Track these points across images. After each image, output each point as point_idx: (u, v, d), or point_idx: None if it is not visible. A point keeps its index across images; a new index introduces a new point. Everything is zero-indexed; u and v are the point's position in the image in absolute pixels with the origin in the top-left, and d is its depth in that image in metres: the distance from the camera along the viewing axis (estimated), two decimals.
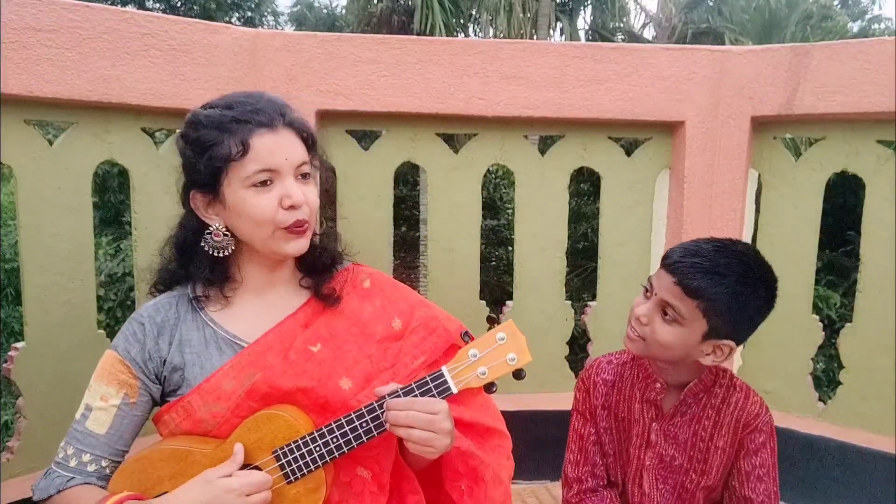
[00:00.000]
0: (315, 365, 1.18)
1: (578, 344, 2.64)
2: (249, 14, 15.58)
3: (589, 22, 15.21)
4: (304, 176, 1.19)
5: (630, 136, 2.49)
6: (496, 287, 9.93)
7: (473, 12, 13.66)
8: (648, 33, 16.83)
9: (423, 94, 2.21)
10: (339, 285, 1.29)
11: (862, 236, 2.23)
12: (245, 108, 1.14)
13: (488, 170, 2.48)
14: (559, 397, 2.34)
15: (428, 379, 1.11)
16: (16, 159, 1.75)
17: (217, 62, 2.00)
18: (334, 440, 1.11)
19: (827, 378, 7.09)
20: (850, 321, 2.29)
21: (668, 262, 1.28)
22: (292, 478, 1.12)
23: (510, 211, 11.96)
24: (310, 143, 1.22)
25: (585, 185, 11.25)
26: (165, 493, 1.12)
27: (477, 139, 2.37)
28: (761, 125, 2.33)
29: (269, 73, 2.11)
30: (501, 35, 12.76)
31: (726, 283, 1.22)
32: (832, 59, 2.15)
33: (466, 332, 1.19)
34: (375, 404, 1.11)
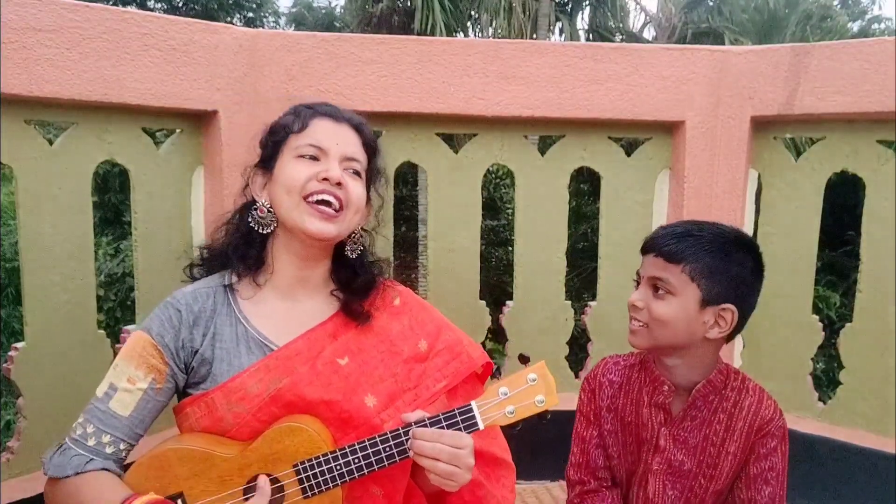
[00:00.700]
0: (341, 378, 1.19)
1: (578, 344, 2.63)
2: (251, 15, 15.59)
3: (588, 22, 15.20)
4: (355, 173, 1.24)
5: (630, 136, 2.49)
6: (496, 287, 9.93)
7: (473, 12, 13.65)
8: (648, 33, 16.82)
9: (423, 93, 2.21)
10: (370, 301, 1.30)
11: (862, 236, 2.23)
12: (320, 103, 1.28)
13: (488, 170, 2.48)
14: (559, 397, 2.33)
15: (457, 412, 1.11)
16: (16, 159, 1.75)
17: (217, 62, 2.00)
18: (356, 461, 1.11)
19: (827, 378, 7.09)
20: (850, 321, 2.29)
21: (644, 245, 1.32)
22: (310, 493, 1.12)
23: (510, 211, 11.96)
24: (370, 150, 1.28)
25: (585, 185, 11.26)
26: (181, 493, 1.12)
27: (477, 139, 2.37)
28: (761, 125, 2.33)
29: (269, 73, 2.11)
30: (501, 35, 12.75)
31: (702, 242, 1.25)
32: (832, 59, 2.15)
33: (498, 369, 1.19)
34: (401, 431, 1.11)
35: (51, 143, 1.85)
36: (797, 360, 2.35)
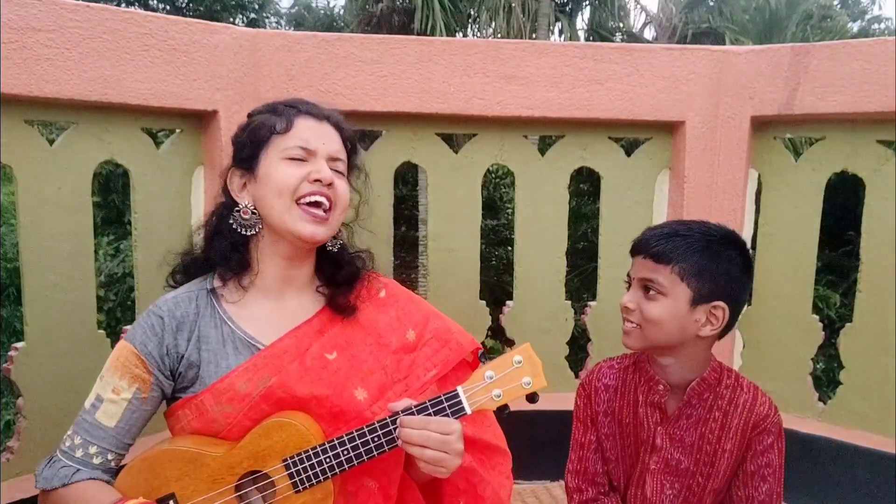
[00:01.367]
0: (331, 373, 1.18)
1: (578, 344, 2.64)
2: (253, 16, 15.59)
3: (588, 22, 15.19)
4: (339, 172, 1.23)
5: (630, 136, 2.49)
6: (496, 287, 9.93)
7: (472, 12, 13.65)
8: (648, 33, 16.83)
9: (423, 93, 2.21)
10: (356, 294, 1.29)
11: (862, 236, 2.23)
12: (298, 100, 1.27)
13: (488, 170, 2.48)
14: (559, 397, 2.34)
15: (443, 398, 1.11)
16: (16, 159, 1.75)
17: (217, 62, 2.00)
18: (345, 453, 1.11)
19: (827, 378, 7.08)
20: (850, 321, 2.28)
21: (633, 246, 1.33)
22: (300, 487, 1.12)
23: (510, 211, 11.96)
24: (350, 147, 1.28)
25: (585, 185, 11.25)
26: (172, 494, 1.12)
27: (477, 139, 2.37)
28: (761, 125, 2.33)
29: (269, 73, 2.11)
30: (501, 35, 12.75)
31: (689, 241, 1.26)
32: (832, 59, 2.15)
33: (484, 353, 1.19)
34: (389, 420, 1.11)
35: (51, 143, 1.85)
36: (797, 360, 2.35)
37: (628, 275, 1.35)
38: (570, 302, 2.48)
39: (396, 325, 1.29)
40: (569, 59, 2.26)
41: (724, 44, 12.21)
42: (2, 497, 1.73)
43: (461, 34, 13.54)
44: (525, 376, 1.11)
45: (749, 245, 2.39)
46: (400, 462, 1.20)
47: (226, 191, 1.26)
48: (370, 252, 1.38)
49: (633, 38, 15.71)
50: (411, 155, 2.34)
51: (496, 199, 12.93)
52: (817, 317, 2.33)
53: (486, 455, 1.29)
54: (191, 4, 14.59)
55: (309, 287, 1.29)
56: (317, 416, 1.16)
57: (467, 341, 1.32)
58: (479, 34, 14.14)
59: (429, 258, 2.41)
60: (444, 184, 2.36)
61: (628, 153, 2.44)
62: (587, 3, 14.89)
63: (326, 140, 1.22)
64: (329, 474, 1.11)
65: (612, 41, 14.09)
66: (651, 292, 1.28)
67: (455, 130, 2.43)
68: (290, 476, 1.12)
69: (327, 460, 1.11)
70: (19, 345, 1.81)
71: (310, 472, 1.11)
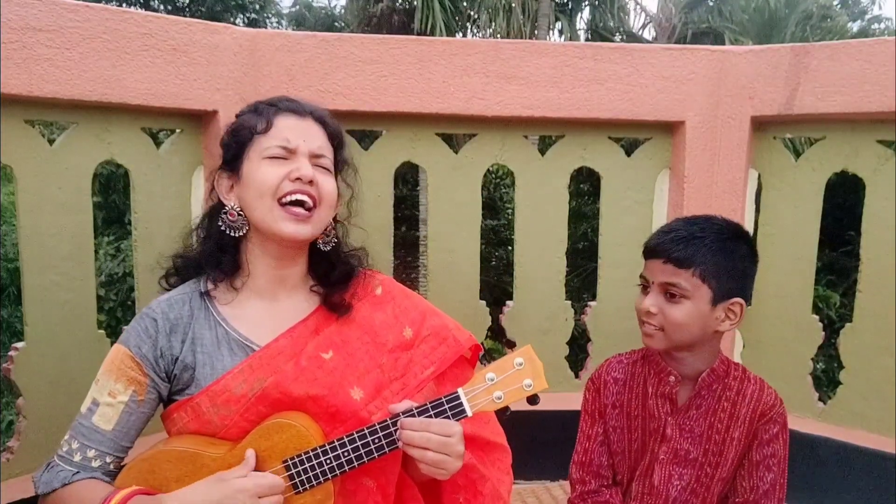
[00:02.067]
0: (326, 373, 1.18)
1: (578, 344, 2.64)
2: (254, 16, 15.59)
3: (588, 22, 15.20)
4: (324, 168, 1.22)
5: (630, 136, 2.49)
6: (496, 287, 9.93)
7: (472, 13, 13.65)
8: (648, 33, 16.83)
9: (423, 94, 2.21)
10: (351, 293, 1.29)
11: (862, 236, 2.23)
12: (280, 98, 1.25)
13: (488, 170, 2.48)
14: (559, 397, 2.34)
15: (444, 400, 1.11)
16: (16, 159, 1.75)
17: (217, 62, 2.00)
18: (345, 454, 1.10)
19: (827, 378, 7.08)
20: (850, 321, 2.28)
21: (648, 250, 1.34)
22: (301, 489, 1.12)
23: (510, 211, 11.96)
24: (336, 144, 1.26)
25: (585, 185, 11.25)
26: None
27: (477, 139, 2.37)
28: (761, 125, 2.33)
29: (269, 73, 2.11)
30: (500, 35, 12.75)
31: (707, 242, 1.29)
32: (832, 59, 2.15)
33: (486, 352, 1.18)
34: (389, 422, 1.10)
35: (51, 143, 1.85)
36: (797, 360, 2.35)
37: (643, 277, 1.36)
38: (570, 302, 2.48)
39: (393, 323, 1.28)
40: (569, 59, 2.26)
41: (723, 44, 12.22)
42: (2, 497, 1.73)
43: (461, 34, 13.54)
44: (526, 378, 1.11)
45: None
46: (398, 462, 1.20)
47: (214, 193, 1.26)
48: (365, 250, 1.37)
49: (632, 38, 15.70)
50: (411, 155, 2.34)
51: (496, 199, 12.94)
52: (817, 317, 2.33)
53: (484, 451, 1.29)
54: (191, 4, 14.59)
55: (303, 286, 1.28)
56: (314, 415, 1.16)
57: (465, 338, 1.32)
58: (478, 34, 14.14)
59: (429, 258, 2.41)
60: (444, 184, 2.36)
61: (628, 153, 2.44)
62: (587, 3, 14.89)
63: (307, 137, 1.21)
64: (329, 475, 1.11)
65: (612, 41, 14.09)
66: (674, 296, 1.30)
67: (455, 130, 2.43)
68: (291, 477, 1.11)
69: (328, 461, 1.10)
70: (19, 345, 1.81)
71: (310, 474, 1.11)
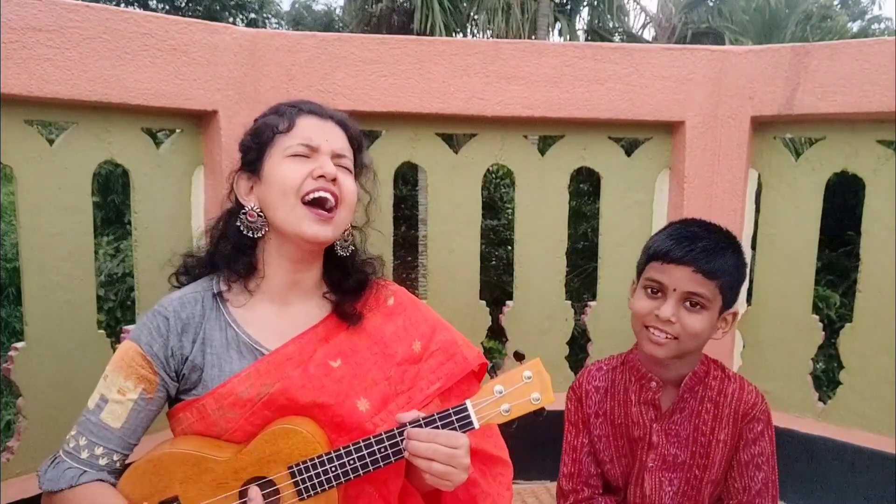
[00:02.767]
0: (334, 382, 1.18)
1: (578, 344, 2.63)
2: (253, 16, 15.58)
3: (587, 22, 15.19)
4: (345, 169, 1.22)
5: (630, 136, 2.49)
6: (496, 287, 9.92)
7: (472, 13, 13.65)
8: (648, 33, 16.83)
9: (423, 94, 2.21)
10: (363, 302, 1.28)
11: (862, 236, 2.23)
12: (301, 101, 1.27)
13: (488, 170, 2.48)
14: (559, 397, 2.33)
15: (451, 412, 1.10)
16: (16, 159, 1.75)
17: (217, 62, 2.00)
18: (351, 462, 1.10)
19: (827, 378, 7.08)
20: (850, 321, 2.28)
21: (675, 256, 1.29)
22: (305, 495, 1.12)
23: (510, 211, 11.96)
24: (356, 146, 1.27)
25: (585, 185, 11.26)
26: (176, 497, 1.12)
27: (477, 139, 2.37)
28: (761, 125, 2.33)
29: (269, 73, 2.11)
30: (500, 35, 12.75)
31: (728, 255, 1.30)
32: (832, 59, 2.15)
33: (494, 367, 1.18)
34: (396, 431, 1.10)
35: (51, 143, 1.85)
36: (797, 360, 2.35)
37: (656, 281, 1.32)
38: (570, 302, 2.48)
39: (403, 335, 1.28)
40: (569, 59, 2.26)
41: (723, 44, 12.21)
42: (2, 497, 1.73)
43: (460, 34, 13.54)
44: (534, 392, 1.11)
45: (749, 245, 2.40)
46: (401, 471, 1.20)
47: (232, 195, 1.26)
48: (381, 259, 1.37)
49: (632, 38, 15.70)
50: (411, 155, 2.34)
51: (496, 199, 12.94)
52: (817, 317, 2.33)
53: (487, 466, 1.29)
54: (190, 4, 14.58)
55: (316, 292, 1.27)
56: (319, 423, 1.16)
57: (473, 356, 1.31)
58: (478, 34, 14.14)
59: (429, 258, 2.40)
60: (444, 184, 2.36)
61: (628, 153, 2.44)
62: (586, 3, 14.89)
63: (330, 137, 1.21)
64: (334, 483, 1.11)
65: (612, 41, 14.09)
66: (695, 305, 1.29)
67: (455, 130, 2.43)
68: (296, 483, 1.11)
69: (333, 469, 1.10)
70: (19, 345, 1.81)
71: (315, 481, 1.11)
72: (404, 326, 1.29)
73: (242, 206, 1.22)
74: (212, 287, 1.23)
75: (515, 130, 2.38)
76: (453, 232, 2.37)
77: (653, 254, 1.34)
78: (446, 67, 2.21)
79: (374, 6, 13.91)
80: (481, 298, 2.44)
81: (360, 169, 1.30)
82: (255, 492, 1.10)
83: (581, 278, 10.66)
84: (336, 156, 1.21)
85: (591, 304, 2.49)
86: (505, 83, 2.24)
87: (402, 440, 1.09)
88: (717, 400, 1.37)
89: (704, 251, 1.28)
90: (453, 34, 12.88)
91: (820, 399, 2.36)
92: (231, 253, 1.22)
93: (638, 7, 20.75)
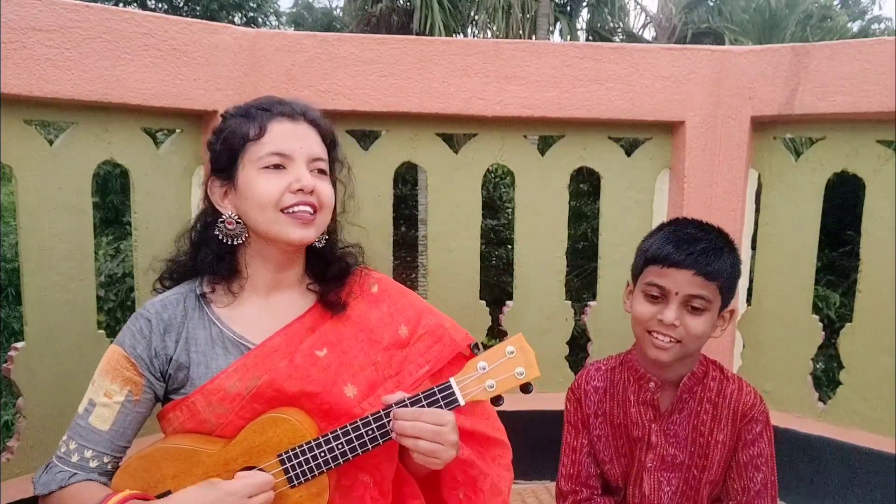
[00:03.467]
0: (320, 370, 1.18)
1: (578, 344, 2.63)
2: (252, 14, 15.58)
3: (588, 22, 15.20)
4: (320, 172, 1.20)
5: (630, 136, 2.49)
6: (496, 287, 9.93)
7: (472, 13, 13.66)
8: (648, 33, 16.84)
9: (423, 94, 2.21)
10: (347, 290, 1.28)
11: (862, 236, 2.23)
12: (270, 101, 1.21)
13: (488, 170, 2.48)
14: (559, 397, 2.32)
15: (436, 390, 1.11)
16: (16, 159, 1.75)
17: (217, 62, 2.00)
18: (339, 447, 1.11)
19: (827, 378, 7.09)
20: (850, 321, 2.28)
21: (675, 260, 1.29)
22: (296, 482, 1.12)
23: (510, 211, 11.96)
24: (330, 144, 1.24)
25: (585, 185, 11.25)
26: (168, 491, 1.12)
27: (477, 139, 2.37)
28: (761, 125, 2.33)
29: (269, 73, 2.11)
30: (500, 35, 12.75)
31: (726, 255, 1.30)
32: (832, 59, 2.15)
33: (476, 345, 1.18)
34: (382, 413, 1.11)
35: (51, 143, 1.85)
36: (797, 360, 2.35)
37: (657, 286, 1.31)
38: (570, 302, 2.48)
39: (388, 321, 1.28)
40: (569, 59, 2.26)
41: (723, 44, 12.22)
42: (2, 497, 1.73)
43: (460, 34, 13.55)
44: (518, 366, 1.10)
45: (749, 245, 2.40)
46: (393, 456, 1.20)
47: (207, 199, 1.24)
48: (360, 246, 1.36)
49: (632, 38, 15.71)
50: (411, 155, 2.34)
51: (496, 199, 12.95)
52: (817, 317, 2.33)
53: (484, 447, 1.29)
54: (188, 3, 14.57)
55: (299, 285, 1.28)
56: (308, 412, 1.16)
57: (460, 336, 1.31)
58: (478, 34, 14.14)
59: (429, 258, 2.40)
60: (443, 184, 2.36)
61: (628, 153, 2.44)
62: (587, 3, 14.89)
63: (304, 142, 1.18)
64: (324, 468, 1.11)
65: (612, 41, 14.09)
66: (696, 308, 1.29)
67: (455, 130, 2.43)
68: (286, 471, 1.12)
69: (322, 454, 1.11)
70: (19, 345, 1.81)
71: (304, 467, 1.11)
72: (390, 312, 1.29)
73: (218, 212, 1.21)
74: (195, 289, 1.23)
75: (515, 130, 2.38)
76: (453, 232, 2.38)
77: (651, 257, 1.33)
78: (446, 67, 2.21)
79: (374, 6, 13.91)
80: (481, 298, 2.44)
81: (334, 165, 1.28)
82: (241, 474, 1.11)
83: (581, 278, 10.66)
84: (311, 160, 1.18)
85: (591, 304, 2.49)
86: (505, 83, 2.24)
87: (388, 421, 1.10)
88: (715, 401, 1.37)
89: (704, 253, 1.28)
90: (453, 34, 12.89)
91: (820, 399, 2.36)
92: (212, 259, 1.21)
93: (638, 7, 20.77)
